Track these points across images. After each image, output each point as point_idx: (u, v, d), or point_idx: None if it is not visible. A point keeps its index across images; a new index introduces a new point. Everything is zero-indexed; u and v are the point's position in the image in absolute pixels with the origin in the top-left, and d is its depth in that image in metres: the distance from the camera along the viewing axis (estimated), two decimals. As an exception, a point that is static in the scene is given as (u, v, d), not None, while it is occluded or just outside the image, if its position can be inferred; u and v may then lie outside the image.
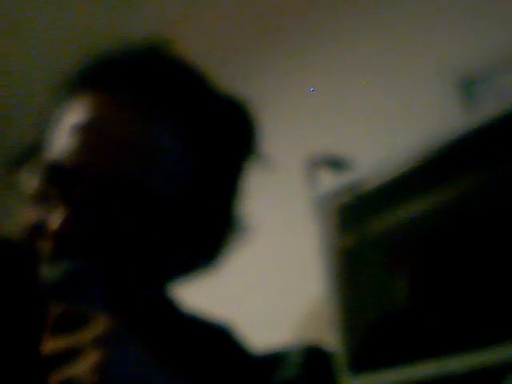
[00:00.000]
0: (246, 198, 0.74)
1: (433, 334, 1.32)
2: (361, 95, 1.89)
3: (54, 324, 0.55)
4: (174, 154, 0.67)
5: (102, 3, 2.21)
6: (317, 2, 2.05)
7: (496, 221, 1.27)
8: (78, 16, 2.24)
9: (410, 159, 1.42)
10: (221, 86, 0.73)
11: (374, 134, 1.81)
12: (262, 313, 1.95)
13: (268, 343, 1.21)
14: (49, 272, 0.59)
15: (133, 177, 0.63)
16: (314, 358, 1.40)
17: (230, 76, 1.19)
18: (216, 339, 0.75)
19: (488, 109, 1.34)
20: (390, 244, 1.43)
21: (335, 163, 1.79)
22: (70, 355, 0.53)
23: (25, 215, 0.66)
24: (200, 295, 1.19)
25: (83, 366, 0.52)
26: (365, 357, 1.45)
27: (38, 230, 0.64)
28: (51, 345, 0.54)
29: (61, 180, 0.64)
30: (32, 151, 0.69)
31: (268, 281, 2.00)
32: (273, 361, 1.31)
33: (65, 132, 0.66)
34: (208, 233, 0.71)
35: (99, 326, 0.54)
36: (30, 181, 0.67)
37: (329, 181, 1.69)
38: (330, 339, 1.50)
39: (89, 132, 0.64)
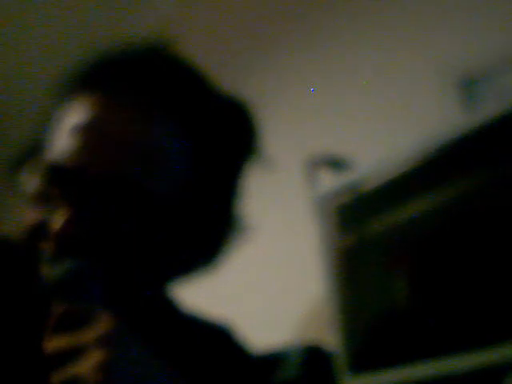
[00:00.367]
0: (246, 198, 0.74)
1: (433, 334, 1.32)
2: (361, 95, 1.89)
3: (56, 323, 0.55)
4: (175, 154, 0.67)
5: (102, 3, 2.21)
6: (317, 2, 2.05)
7: (496, 221, 1.26)
8: (78, 16, 2.24)
9: (409, 159, 1.42)
10: (221, 86, 0.73)
11: (374, 133, 1.81)
12: (261, 313, 1.95)
13: (268, 343, 1.20)
14: (50, 271, 0.59)
15: (133, 177, 0.63)
16: (313, 358, 1.40)
17: (230, 76, 1.19)
18: (216, 339, 0.75)
19: (488, 109, 1.33)
20: (389, 244, 1.43)
21: (335, 163, 1.79)
22: (72, 354, 0.53)
23: (25, 215, 0.66)
24: (200, 295, 1.19)
25: (86, 365, 0.52)
26: (365, 357, 1.44)
27: (38, 230, 0.64)
28: (54, 344, 0.54)
29: (61, 180, 0.64)
30: (32, 151, 0.69)
31: (268, 281, 2.00)
32: (273, 361, 1.30)
33: (65, 132, 0.66)
34: (208, 233, 0.71)
35: (102, 325, 0.54)
36: (31, 181, 0.67)
37: (329, 181, 1.69)
38: (330, 339, 1.49)
39: (89, 132, 0.64)
